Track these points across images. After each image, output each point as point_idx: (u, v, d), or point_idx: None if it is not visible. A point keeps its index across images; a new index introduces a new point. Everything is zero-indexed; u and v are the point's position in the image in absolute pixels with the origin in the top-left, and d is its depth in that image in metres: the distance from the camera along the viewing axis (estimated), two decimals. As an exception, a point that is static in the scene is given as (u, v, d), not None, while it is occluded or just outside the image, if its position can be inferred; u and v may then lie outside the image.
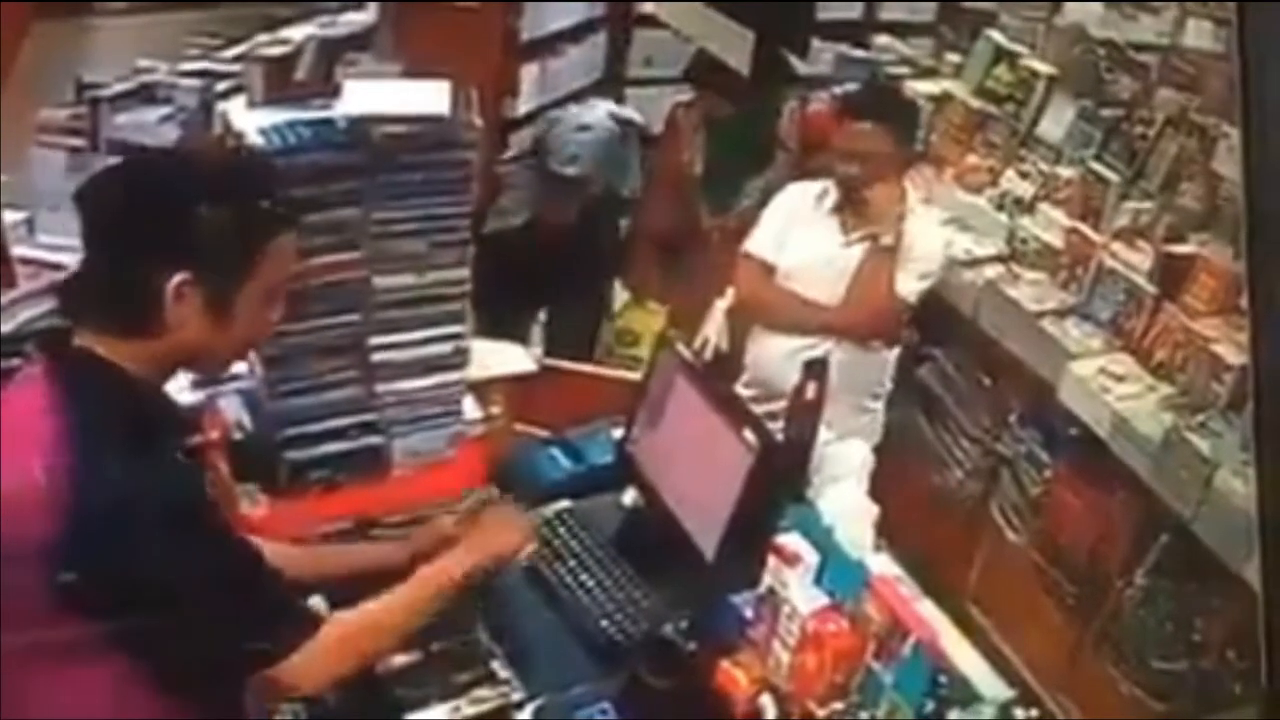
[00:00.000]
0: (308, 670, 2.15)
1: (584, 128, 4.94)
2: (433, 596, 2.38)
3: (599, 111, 5.05)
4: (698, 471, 2.84)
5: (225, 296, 2.06)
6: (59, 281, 2.15)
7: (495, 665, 2.59)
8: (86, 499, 1.92)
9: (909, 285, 3.78)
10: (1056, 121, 4.82)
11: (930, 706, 2.19)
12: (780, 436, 3.05)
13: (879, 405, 4.04)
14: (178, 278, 2.00)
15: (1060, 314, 4.28)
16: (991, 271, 4.50)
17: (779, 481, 2.77)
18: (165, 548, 1.96)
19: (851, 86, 5.26)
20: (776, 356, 3.77)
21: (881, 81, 5.20)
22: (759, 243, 3.94)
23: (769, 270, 3.88)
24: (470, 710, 2.50)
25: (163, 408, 2.16)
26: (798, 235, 3.88)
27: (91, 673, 2.01)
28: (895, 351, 4.03)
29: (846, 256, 3.78)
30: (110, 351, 2.04)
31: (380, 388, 3.02)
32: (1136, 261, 4.20)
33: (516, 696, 2.53)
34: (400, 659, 2.53)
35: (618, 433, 3.18)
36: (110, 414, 2.01)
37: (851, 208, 3.80)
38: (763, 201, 4.25)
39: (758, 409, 3.37)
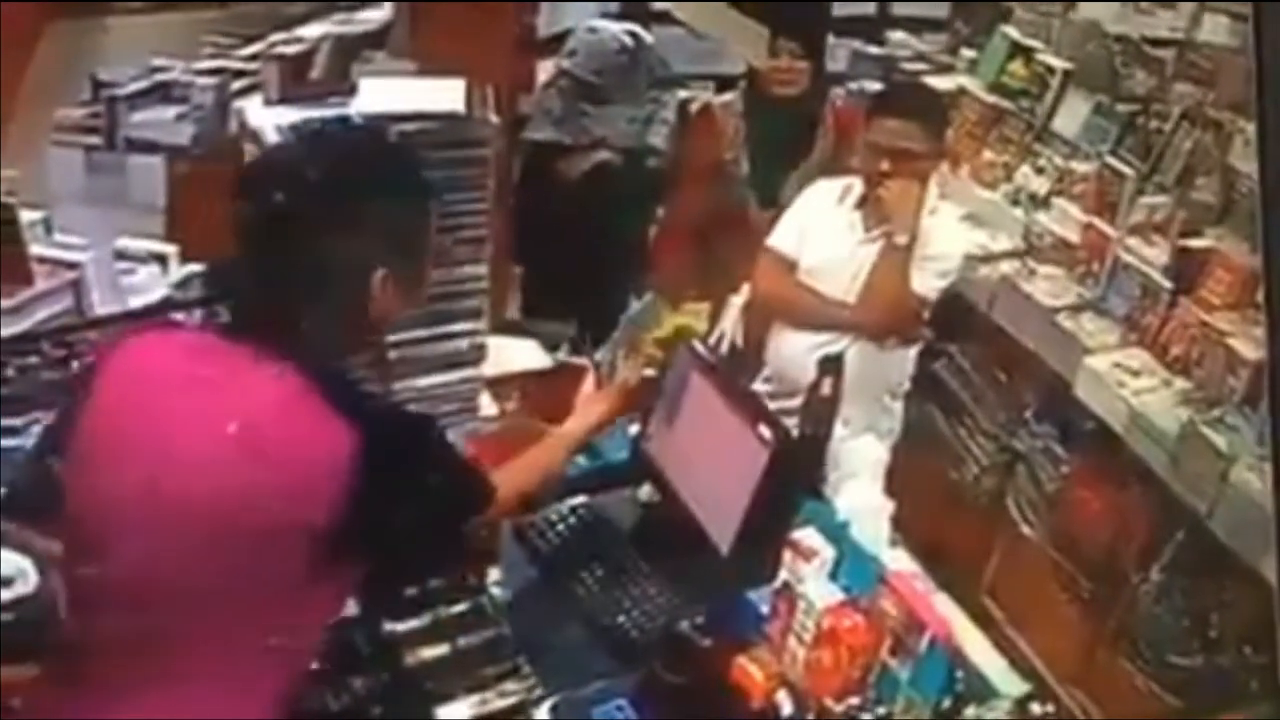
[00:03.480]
0: None
1: (592, 30, 5.16)
2: (565, 453, 2.77)
3: (615, 25, 5.25)
4: (713, 467, 2.84)
5: (416, 273, 2.23)
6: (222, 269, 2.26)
7: (521, 659, 2.60)
8: (374, 458, 2.04)
9: (928, 283, 3.75)
10: (1072, 116, 4.81)
11: (946, 702, 2.20)
12: (796, 432, 3.05)
13: (898, 404, 4.03)
14: (380, 273, 2.11)
15: (1076, 309, 4.27)
16: (1007, 267, 4.50)
17: (794, 477, 2.77)
18: (442, 481, 2.23)
19: (870, 83, 5.26)
20: (796, 352, 3.76)
21: (913, 79, 5.16)
22: (780, 238, 3.92)
23: (790, 266, 3.88)
24: (499, 703, 2.52)
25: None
26: (819, 231, 3.86)
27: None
28: (915, 349, 4.01)
29: (865, 253, 3.77)
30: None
31: (397, 384, 3.03)
32: (1152, 256, 4.19)
33: (535, 693, 2.54)
34: (429, 652, 2.58)
35: (634, 429, 3.18)
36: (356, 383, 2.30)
37: (874, 204, 3.77)
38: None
39: (777, 405, 3.37)
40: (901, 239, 3.66)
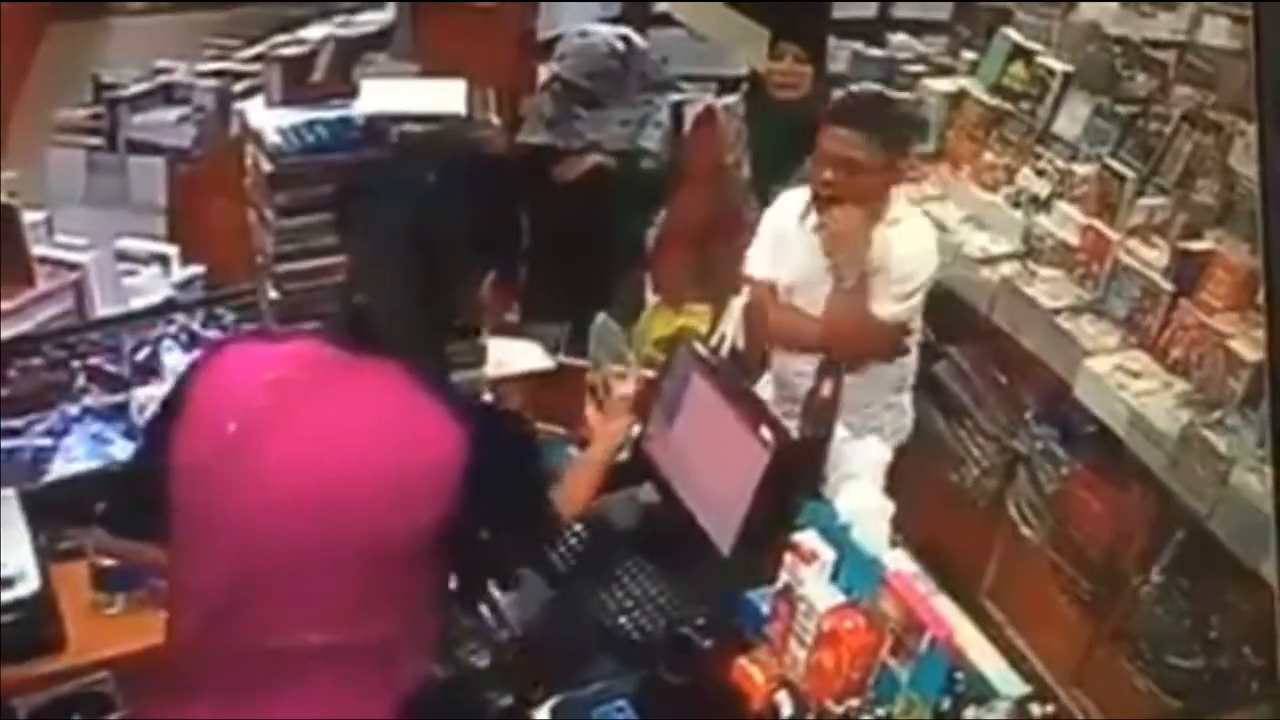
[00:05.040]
0: None
1: (583, 34, 5.16)
2: (601, 473, 2.77)
3: (605, 29, 5.26)
4: (714, 469, 2.85)
5: (514, 274, 2.39)
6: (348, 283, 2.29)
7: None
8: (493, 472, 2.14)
9: (888, 308, 3.62)
10: (1072, 118, 4.80)
11: (946, 703, 2.20)
12: (796, 434, 3.05)
13: (902, 399, 3.97)
14: (490, 276, 2.26)
15: (1076, 311, 4.27)
16: (1007, 269, 4.49)
17: (795, 479, 2.78)
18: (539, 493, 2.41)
19: (871, 85, 5.26)
20: (798, 363, 3.72)
21: (873, 89, 5.02)
22: (754, 262, 3.84)
23: (769, 287, 3.79)
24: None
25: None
26: (789, 248, 3.76)
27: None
28: (913, 353, 3.95)
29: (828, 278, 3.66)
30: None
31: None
32: (1153, 258, 4.19)
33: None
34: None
35: (634, 430, 3.19)
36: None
37: (821, 236, 3.61)
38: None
39: (779, 408, 3.36)
40: (848, 284, 3.55)
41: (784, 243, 3.77)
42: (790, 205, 3.81)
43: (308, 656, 2.14)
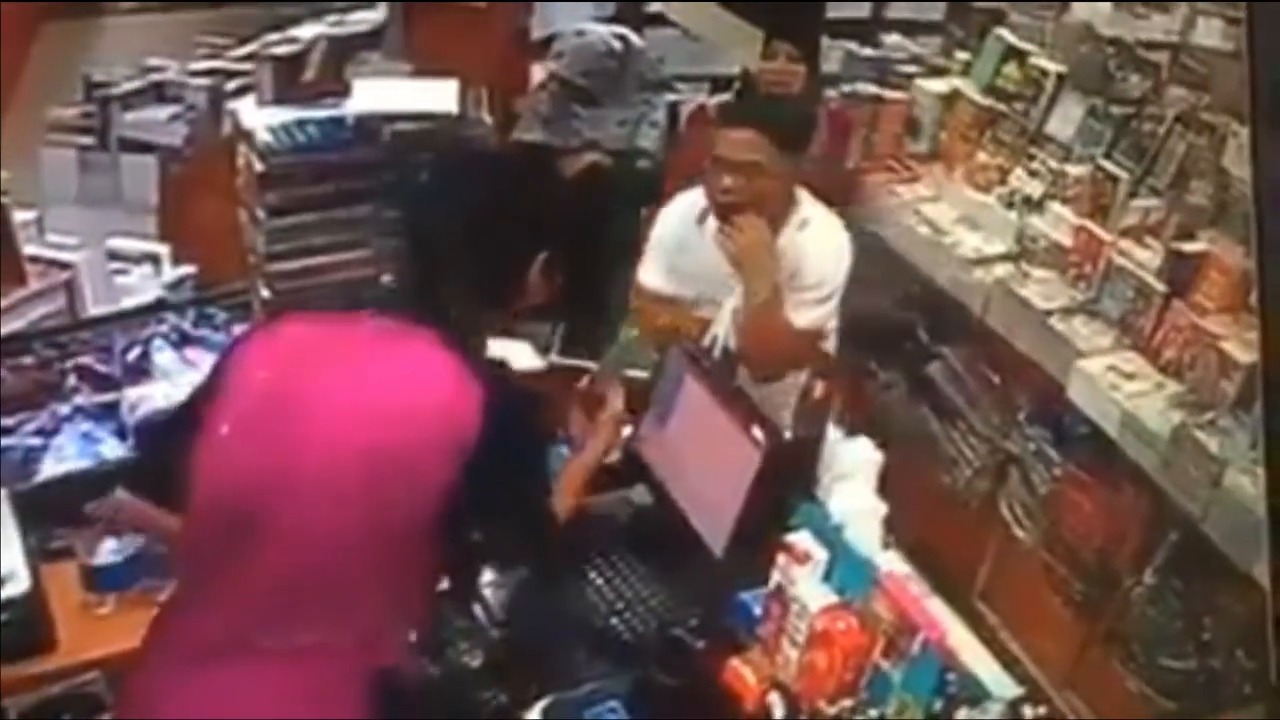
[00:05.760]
0: None
1: (580, 33, 5.20)
2: (588, 480, 2.75)
3: (602, 28, 5.33)
4: (706, 469, 2.84)
5: (563, 262, 2.38)
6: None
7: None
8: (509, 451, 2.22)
9: (806, 315, 3.45)
10: (1066, 119, 4.80)
11: (939, 704, 2.20)
12: (788, 434, 3.05)
13: None
14: (541, 256, 2.33)
15: (1069, 312, 4.26)
16: (1000, 270, 4.49)
17: (787, 479, 2.78)
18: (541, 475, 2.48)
19: (865, 85, 5.26)
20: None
21: (763, 88, 4.60)
22: (646, 272, 3.69)
23: (668, 301, 3.62)
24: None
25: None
26: (691, 259, 3.57)
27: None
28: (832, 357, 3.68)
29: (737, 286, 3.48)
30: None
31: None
32: (1146, 259, 4.19)
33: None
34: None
35: (626, 430, 3.18)
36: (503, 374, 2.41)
37: (725, 252, 3.40)
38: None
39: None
40: (760, 298, 3.36)
41: (684, 251, 3.60)
42: (683, 210, 3.64)
43: (293, 644, 2.16)
